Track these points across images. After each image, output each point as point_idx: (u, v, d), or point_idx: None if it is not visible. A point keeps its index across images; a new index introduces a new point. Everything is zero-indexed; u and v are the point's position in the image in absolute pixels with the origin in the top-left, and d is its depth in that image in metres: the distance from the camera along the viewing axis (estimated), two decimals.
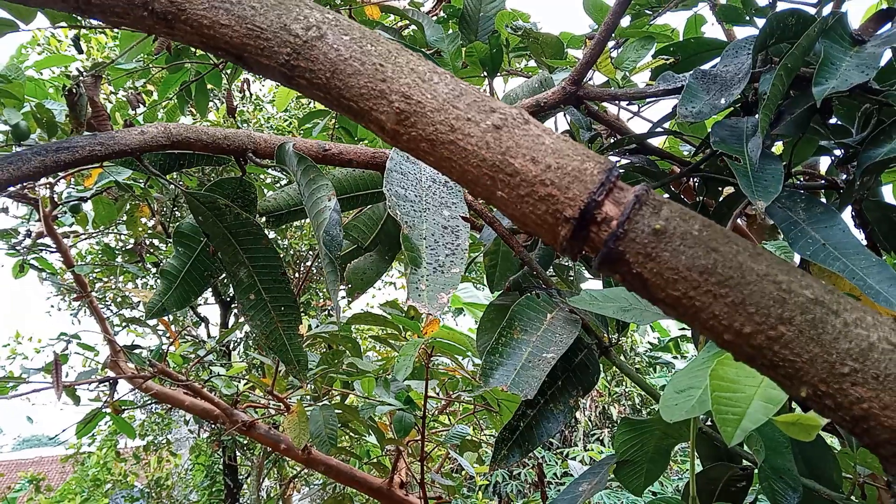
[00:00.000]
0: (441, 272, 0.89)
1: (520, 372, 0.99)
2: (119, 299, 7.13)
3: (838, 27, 1.10)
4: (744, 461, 1.27)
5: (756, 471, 1.25)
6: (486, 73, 1.97)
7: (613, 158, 1.63)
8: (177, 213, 5.33)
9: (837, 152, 1.51)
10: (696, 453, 1.21)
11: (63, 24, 2.25)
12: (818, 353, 0.45)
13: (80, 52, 2.21)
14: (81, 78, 1.90)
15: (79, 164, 0.94)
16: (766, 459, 0.78)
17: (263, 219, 1.39)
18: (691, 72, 1.20)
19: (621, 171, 1.50)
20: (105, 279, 6.48)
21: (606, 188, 0.49)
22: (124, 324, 6.10)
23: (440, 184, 1.08)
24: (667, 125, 1.58)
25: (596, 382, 1.14)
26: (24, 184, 3.09)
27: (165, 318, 5.24)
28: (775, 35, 1.19)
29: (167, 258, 1.30)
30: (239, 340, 7.38)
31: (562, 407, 1.10)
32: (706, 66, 1.24)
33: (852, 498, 1.00)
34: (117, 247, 5.79)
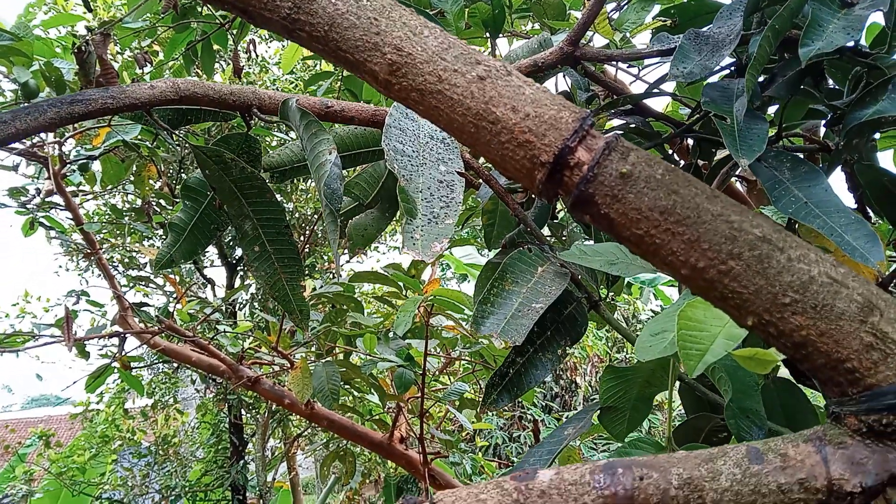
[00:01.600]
0: (435, 223, 0.94)
1: (510, 320, 1.04)
2: (127, 260, 7.21)
3: None
4: None
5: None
6: (488, 34, 1.99)
7: (613, 121, 1.66)
8: (183, 174, 5.38)
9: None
10: (679, 403, 1.28)
11: None
12: (763, 286, 0.50)
13: (90, 10, 2.23)
14: (91, 36, 1.92)
15: (91, 116, 0.98)
16: (735, 400, 0.84)
17: (268, 175, 1.43)
18: (684, 33, 1.22)
19: (610, 127, 1.53)
20: (113, 239, 6.56)
21: (580, 135, 0.54)
22: (132, 283, 6.19)
23: (437, 140, 1.12)
24: (670, 87, 1.61)
25: (583, 334, 1.20)
26: (34, 142, 3.13)
27: (172, 277, 5.33)
28: None
29: (175, 213, 1.35)
30: (245, 301, 7.48)
31: (550, 356, 1.15)
32: (702, 29, 1.27)
33: None
34: (124, 207, 5.85)
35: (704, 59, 1.17)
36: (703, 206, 0.52)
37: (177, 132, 1.21)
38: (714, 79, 1.32)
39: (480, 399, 3.64)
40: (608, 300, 1.45)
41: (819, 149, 1.61)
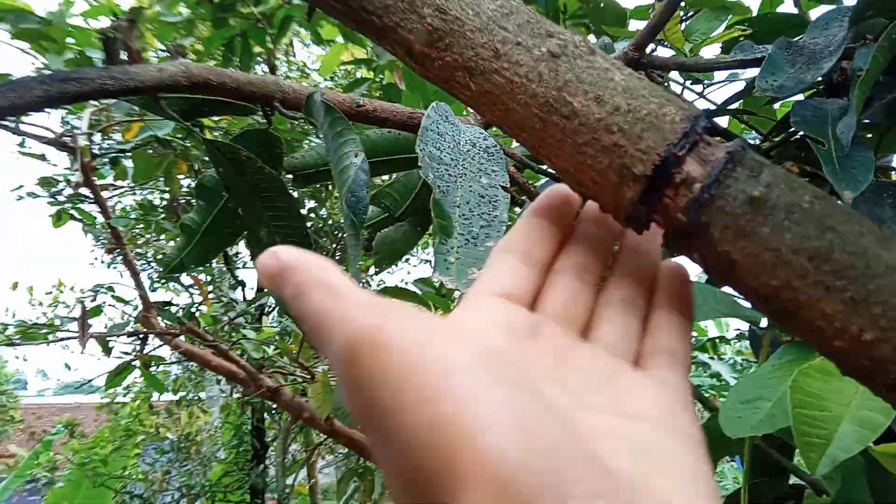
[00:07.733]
0: (474, 244, 0.78)
1: None
2: (160, 256, 7.20)
3: None
4: (792, 477, 1.15)
5: (807, 490, 1.13)
6: None
7: None
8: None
9: None
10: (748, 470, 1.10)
11: None
12: None
13: None
14: (117, 22, 1.83)
15: (87, 97, 0.86)
16: (840, 493, 0.67)
17: (291, 178, 1.30)
18: (774, 42, 1.06)
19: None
20: (148, 235, 6.54)
21: (690, 141, 0.38)
22: (162, 280, 6.15)
23: (481, 149, 0.97)
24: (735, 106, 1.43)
25: None
26: (65, 131, 3.07)
27: (200, 277, 5.27)
28: (875, 5, 1.04)
29: (189, 214, 1.22)
30: (272, 306, 7.40)
31: None
32: (795, 39, 1.10)
33: None
34: (161, 203, 5.82)
35: (799, 73, 1.00)
36: (874, 251, 0.36)
37: (187, 123, 1.08)
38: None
39: None
40: None
41: None
